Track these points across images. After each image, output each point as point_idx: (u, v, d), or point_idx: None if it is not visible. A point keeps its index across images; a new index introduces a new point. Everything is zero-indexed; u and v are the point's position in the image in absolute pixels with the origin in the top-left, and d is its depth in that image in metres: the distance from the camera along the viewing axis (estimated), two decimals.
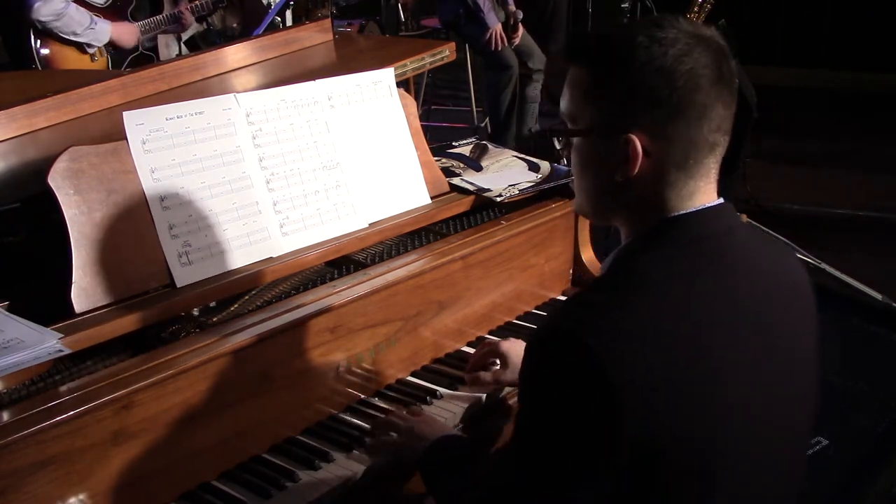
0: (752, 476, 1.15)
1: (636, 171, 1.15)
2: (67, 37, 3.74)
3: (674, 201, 1.17)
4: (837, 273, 2.50)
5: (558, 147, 1.29)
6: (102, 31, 3.83)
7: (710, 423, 1.08)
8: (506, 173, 2.26)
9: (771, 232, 2.42)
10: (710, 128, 1.14)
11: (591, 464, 1.07)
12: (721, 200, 1.20)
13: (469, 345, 1.96)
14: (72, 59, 3.82)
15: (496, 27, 5.11)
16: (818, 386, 1.26)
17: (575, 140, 1.22)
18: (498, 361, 1.77)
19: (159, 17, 4.04)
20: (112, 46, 3.91)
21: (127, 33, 3.94)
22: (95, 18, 3.79)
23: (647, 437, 1.04)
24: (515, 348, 1.75)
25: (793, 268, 1.27)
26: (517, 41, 5.27)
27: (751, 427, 1.12)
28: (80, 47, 3.82)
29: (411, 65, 2.44)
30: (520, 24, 5.25)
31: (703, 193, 1.18)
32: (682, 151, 1.15)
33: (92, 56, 3.87)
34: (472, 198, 2.11)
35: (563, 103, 1.22)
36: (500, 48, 5.15)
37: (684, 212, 1.17)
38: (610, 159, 1.16)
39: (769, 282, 1.19)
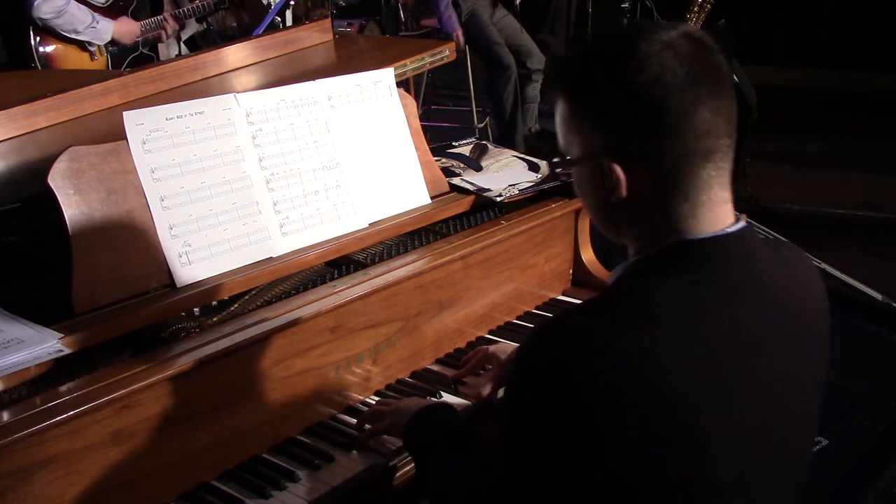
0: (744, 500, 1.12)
1: (625, 193, 1.12)
2: (68, 35, 3.73)
3: (678, 220, 1.12)
4: (837, 273, 2.50)
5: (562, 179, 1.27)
6: (104, 30, 3.83)
7: (702, 456, 1.06)
8: (506, 173, 2.27)
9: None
10: (694, 135, 1.07)
11: (570, 484, 1.06)
12: (742, 224, 1.15)
13: (469, 345, 1.95)
14: (71, 58, 3.82)
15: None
16: (822, 400, 1.23)
17: (572, 168, 1.21)
18: (490, 366, 1.78)
19: (150, 20, 4.03)
20: (113, 44, 3.91)
21: (128, 30, 3.94)
22: (97, 16, 3.79)
23: (628, 466, 1.03)
24: (505, 349, 1.77)
25: (809, 287, 1.22)
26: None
27: (746, 459, 1.10)
28: (81, 45, 3.81)
29: (411, 65, 2.44)
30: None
31: (710, 209, 1.12)
32: (669, 166, 1.09)
33: (91, 55, 3.87)
34: (472, 198, 2.11)
35: (558, 134, 1.20)
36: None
37: (700, 237, 1.11)
38: (600, 184, 1.14)
39: (783, 310, 1.14)
